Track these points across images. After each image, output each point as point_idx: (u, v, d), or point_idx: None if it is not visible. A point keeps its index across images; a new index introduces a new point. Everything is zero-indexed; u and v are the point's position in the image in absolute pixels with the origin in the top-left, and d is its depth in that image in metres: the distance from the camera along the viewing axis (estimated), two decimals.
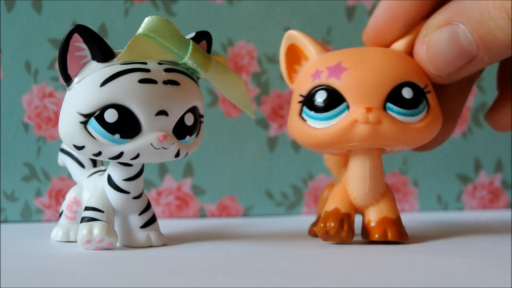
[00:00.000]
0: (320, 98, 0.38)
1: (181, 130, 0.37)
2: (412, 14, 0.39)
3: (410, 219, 0.54)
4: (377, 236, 0.38)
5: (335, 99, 0.38)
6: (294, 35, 0.41)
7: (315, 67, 0.39)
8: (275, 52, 0.58)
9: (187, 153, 0.37)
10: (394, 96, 0.38)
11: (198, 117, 0.38)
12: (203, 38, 0.38)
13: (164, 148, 0.36)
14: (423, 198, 0.60)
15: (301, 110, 0.39)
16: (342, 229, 0.38)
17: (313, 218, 0.49)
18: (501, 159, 0.61)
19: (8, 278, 0.29)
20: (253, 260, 0.34)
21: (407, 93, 0.38)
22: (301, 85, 0.40)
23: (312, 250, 0.37)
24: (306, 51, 0.40)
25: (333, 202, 0.39)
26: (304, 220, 0.55)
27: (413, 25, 0.39)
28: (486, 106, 0.61)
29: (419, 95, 0.38)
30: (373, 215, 0.39)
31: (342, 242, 0.39)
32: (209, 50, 0.39)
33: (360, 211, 0.40)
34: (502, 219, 0.53)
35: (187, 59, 0.36)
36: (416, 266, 0.32)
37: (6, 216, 0.54)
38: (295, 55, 0.41)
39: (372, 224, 0.39)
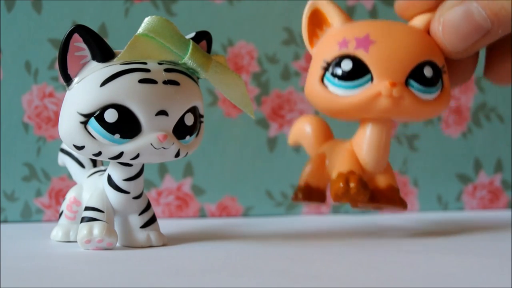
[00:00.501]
0: (346, 66, 0.39)
1: (181, 130, 0.37)
2: None
3: (410, 219, 0.54)
4: (385, 201, 0.41)
5: (360, 70, 0.39)
6: (319, 1, 0.42)
7: (342, 35, 0.40)
8: (275, 52, 0.58)
9: (187, 153, 0.37)
10: (416, 73, 0.39)
11: (198, 117, 0.38)
12: (203, 38, 0.38)
13: (164, 148, 0.36)
14: (423, 198, 0.60)
15: (323, 76, 0.40)
16: (364, 189, 0.40)
17: (313, 218, 0.49)
18: (501, 159, 0.61)
19: (8, 278, 0.29)
20: (253, 260, 0.34)
21: (428, 71, 0.40)
22: (325, 51, 0.41)
23: (312, 250, 0.37)
24: (330, 17, 0.41)
25: (347, 164, 0.41)
26: (304, 220, 0.55)
27: None
28: (486, 106, 0.61)
29: (437, 75, 0.40)
30: (382, 182, 0.42)
31: (354, 202, 0.41)
32: (209, 50, 0.39)
33: (368, 177, 0.42)
34: (502, 219, 0.53)
35: (187, 59, 0.36)
36: (416, 266, 0.32)
37: (6, 216, 0.54)
38: (318, 20, 0.42)
39: (380, 189, 0.41)
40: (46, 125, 0.54)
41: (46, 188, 0.55)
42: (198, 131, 0.38)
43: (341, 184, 0.40)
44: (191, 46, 0.36)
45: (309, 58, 0.58)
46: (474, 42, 0.40)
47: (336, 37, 0.40)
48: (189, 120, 0.37)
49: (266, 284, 0.28)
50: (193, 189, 0.57)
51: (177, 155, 0.37)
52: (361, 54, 0.39)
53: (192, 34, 0.38)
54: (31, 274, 0.30)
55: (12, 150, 0.54)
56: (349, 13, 0.59)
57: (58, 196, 0.55)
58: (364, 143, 0.41)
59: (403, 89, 0.39)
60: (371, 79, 0.39)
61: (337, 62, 0.40)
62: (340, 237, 0.43)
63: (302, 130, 0.48)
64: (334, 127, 0.48)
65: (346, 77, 0.39)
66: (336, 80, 0.40)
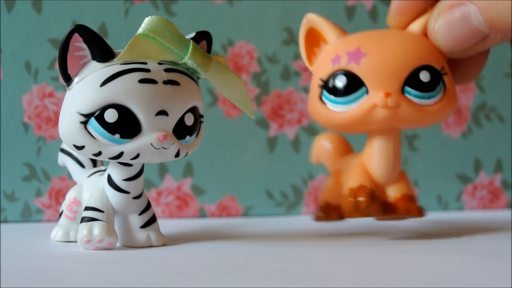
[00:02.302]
0: (340, 82, 0.39)
1: (181, 130, 0.37)
2: None
3: (410, 219, 0.54)
4: (400, 212, 0.40)
5: (354, 84, 0.39)
6: (314, 19, 0.42)
7: (334, 51, 0.40)
8: (275, 52, 0.58)
9: (187, 153, 0.37)
10: (412, 80, 0.39)
11: (198, 117, 0.38)
12: (203, 38, 0.38)
13: (164, 148, 0.36)
14: (423, 198, 0.60)
15: (321, 94, 0.40)
16: (374, 202, 0.40)
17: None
18: (501, 159, 0.61)
19: (8, 278, 0.29)
20: (253, 260, 0.34)
21: (424, 76, 0.39)
22: (321, 69, 0.41)
23: (312, 250, 0.37)
24: (325, 34, 0.41)
25: (357, 179, 0.41)
26: (304, 220, 0.54)
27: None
28: (486, 106, 0.61)
29: (436, 78, 0.39)
30: (395, 192, 0.41)
31: (367, 216, 0.40)
32: (209, 50, 0.39)
33: (380, 189, 0.41)
34: (502, 219, 0.53)
35: (187, 59, 0.36)
36: (416, 266, 0.32)
37: (6, 216, 0.54)
38: (314, 38, 0.42)
39: (394, 200, 0.41)
40: (46, 125, 0.55)
41: (46, 188, 0.55)
42: (198, 131, 0.38)
43: (351, 199, 0.40)
44: (191, 46, 0.36)
45: None
46: (473, 45, 0.39)
47: (329, 54, 0.40)
48: (189, 120, 0.37)
49: (266, 284, 0.28)
50: (193, 189, 0.57)
51: (177, 155, 0.37)
52: (353, 68, 0.39)
53: (192, 34, 0.38)
54: (31, 274, 0.30)
55: (12, 150, 0.54)
56: (349, 13, 0.59)
57: (58, 196, 0.55)
58: (372, 155, 0.41)
59: (399, 97, 0.39)
60: (367, 91, 0.39)
61: (332, 79, 0.40)
62: (340, 237, 0.43)
63: (323, 147, 0.48)
64: (353, 141, 0.48)
65: (342, 92, 0.39)
66: (332, 97, 0.40)
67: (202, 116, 0.38)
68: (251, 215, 0.58)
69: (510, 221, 0.51)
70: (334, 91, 0.40)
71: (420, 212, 0.41)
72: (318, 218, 0.45)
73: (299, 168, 0.58)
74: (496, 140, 0.61)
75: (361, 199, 0.39)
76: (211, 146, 0.57)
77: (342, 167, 0.44)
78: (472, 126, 0.61)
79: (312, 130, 0.58)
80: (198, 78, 0.38)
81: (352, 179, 0.41)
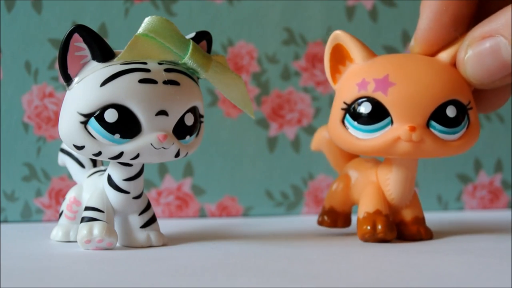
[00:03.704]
0: (365, 110, 0.38)
1: (181, 130, 0.37)
2: (458, 13, 0.39)
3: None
4: (411, 236, 0.41)
5: (379, 113, 0.38)
6: (341, 36, 0.40)
7: (361, 76, 0.39)
8: (275, 52, 0.58)
9: (187, 153, 0.37)
10: (438, 115, 0.38)
11: (198, 117, 0.38)
12: (203, 38, 0.38)
13: (164, 148, 0.36)
14: (423, 198, 0.60)
15: (344, 117, 0.39)
16: (391, 231, 0.40)
17: (313, 218, 0.49)
18: (501, 159, 0.61)
19: (8, 278, 0.29)
20: (253, 260, 0.34)
21: (451, 111, 0.38)
22: (345, 91, 0.40)
23: (312, 250, 0.37)
24: (352, 53, 0.40)
25: (373, 203, 0.41)
26: (304, 220, 0.54)
27: (463, 27, 0.39)
28: None
29: (462, 113, 0.39)
30: (407, 215, 0.42)
31: (380, 241, 0.40)
32: (209, 50, 0.39)
33: (393, 211, 0.41)
34: (502, 219, 0.53)
35: (187, 59, 0.36)
36: (416, 266, 0.32)
37: (6, 216, 0.54)
38: (339, 56, 0.41)
39: (405, 223, 0.41)
40: (46, 125, 0.54)
41: (46, 188, 0.55)
42: (198, 131, 0.38)
43: (368, 228, 0.40)
44: (191, 46, 0.36)
45: (309, 58, 0.58)
46: (502, 78, 0.38)
47: (356, 78, 0.39)
48: (189, 120, 0.37)
49: (266, 284, 0.28)
50: (193, 189, 0.57)
51: (177, 155, 0.37)
52: (380, 97, 0.38)
53: (192, 34, 0.38)
54: (31, 274, 0.30)
55: (12, 150, 0.54)
56: (349, 13, 0.59)
57: (58, 196, 0.55)
58: (389, 179, 0.41)
59: (424, 132, 0.38)
60: (391, 122, 0.38)
61: (357, 104, 0.39)
62: (340, 237, 0.43)
63: (324, 138, 0.47)
64: None
65: (366, 120, 0.38)
66: (355, 123, 0.39)
67: (202, 116, 0.38)
68: (251, 215, 0.58)
69: (510, 221, 0.51)
70: (357, 117, 0.39)
71: (428, 235, 0.41)
72: (322, 224, 0.45)
73: (299, 168, 0.58)
74: (496, 140, 0.61)
75: (379, 227, 0.39)
76: (211, 146, 0.57)
77: (351, 173, 0.44)
78: None
79: (312, 130, 0.58)
80: (198, 78, 0.38)
81: (368, 203, 0.41)
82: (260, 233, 0.46)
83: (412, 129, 0.38)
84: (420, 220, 0.42)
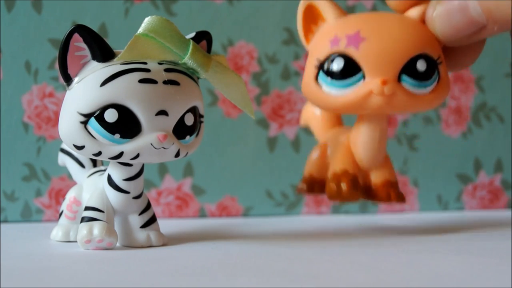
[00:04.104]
0: (337, 65, 0.39)
1: (181, 130, 0.37)
2: None
3: (410, 219, 0.54)
4: (381, 198, 0.41)
5: (351, 68, 0.39)
6: None
7: (333, 32, 0.40)
8: (275, 52, 0.58)
9: (187, 153, 0.37)
10: (408, 68, 0.39)
11: (198, 117, 0.38)
12: (203, 38, 0.38)
13: (164, 148, 0.36)
14: (423, 198, 0.60)
15: (317, 75, 0.40)
16: (355, 190, 0.40)
17: (313, 218, 0.49)
18: (501, 159, 0.61)
19: (8, 278, 0.29)
20: (253, 260, 0.34)
21: (421, 65, 0.39)
22: (318, 49, 0.40)
23: (312, 250, 0.37)
24: (324, 12, 0.41)
25: (341, 163, 0.41)
26: (304, 220, 0.55)
27: None
28: (486, 106, 0.61)
29: (432, 67, 0.40)
30: (377, 178, 0.42)
31: (348, 202, 0.41)
32: (209, 50, 0.39)
33: (364, 173, 0.42)
34: (502, 219, 0.53)
35: (187, 59, 0.36)
36: (416, 266, 0.32)
37: (6, 216, 0.54)
38: (312, 16, 0.42)
39: (375, 186, 0.41)
40: (46, 125, 0.54)
41: (46, 188, 0.55)
42: (198, 131, 0.38)
43: (333, 185, 0.40)
44: (191, 46, 0.36)
45: None
46: (469, 35, 0.39)
47: (328, 35, 0.40)
48: (189, 120, 0.37)
49: (266, 284, 0.28)
50: (193, 189, 0.57)
51: (177, 155, 0.37)
52: (352, 52, 0.39)
53: (192, 34, 0.38)
54: (31, 274, 0.30)
55: (12, 150, 0.54)
56: (349, 13, 0.59)
57: (58, 196, 0.55)
58: (359, 139, 0.41)
59: (395, 86, 0.39)
60: (363, 77, 0.39)
61: (329, 61, 0.40)
62: (340, 237, 0.43)
63: (312, 112, 0.48)
64: (345, 117, 0.48)
65: (338, 76, 0.39)
66: (329, 79, 0.40)
67: (202, 116, 0.38)
68: (251, 215, 0.58)
69: (510, 221, 0.51)
70: (330, 73, 0.40)
71: (400, 199, 0.41)
72: (300, 190, 0.45)
73: (299, 168, 0.58)
74: (496, 140, 0.61)
75: (343, 185, 0.40)
76: (211, 146, 0.57)
77: (329, 141, 0.44)
78: (472, 126, 0.61)
79: None
80: (198, 78, 0.38)
81: (336, 162, 0.41)
82: (260, 233, 0.46)
83: (384, 82, 0.38)
84: (391, 183, 0.42)
